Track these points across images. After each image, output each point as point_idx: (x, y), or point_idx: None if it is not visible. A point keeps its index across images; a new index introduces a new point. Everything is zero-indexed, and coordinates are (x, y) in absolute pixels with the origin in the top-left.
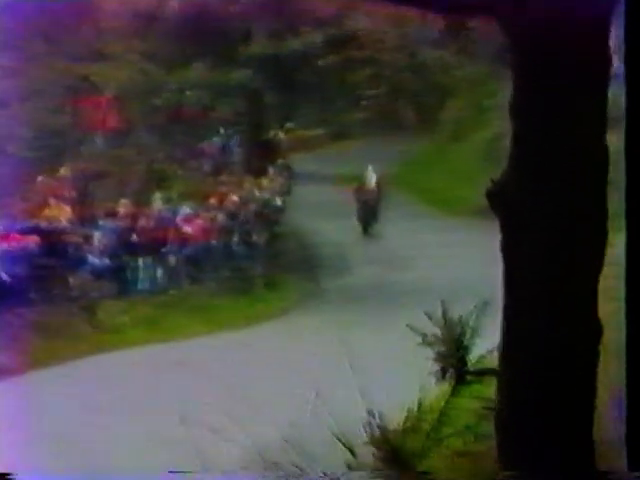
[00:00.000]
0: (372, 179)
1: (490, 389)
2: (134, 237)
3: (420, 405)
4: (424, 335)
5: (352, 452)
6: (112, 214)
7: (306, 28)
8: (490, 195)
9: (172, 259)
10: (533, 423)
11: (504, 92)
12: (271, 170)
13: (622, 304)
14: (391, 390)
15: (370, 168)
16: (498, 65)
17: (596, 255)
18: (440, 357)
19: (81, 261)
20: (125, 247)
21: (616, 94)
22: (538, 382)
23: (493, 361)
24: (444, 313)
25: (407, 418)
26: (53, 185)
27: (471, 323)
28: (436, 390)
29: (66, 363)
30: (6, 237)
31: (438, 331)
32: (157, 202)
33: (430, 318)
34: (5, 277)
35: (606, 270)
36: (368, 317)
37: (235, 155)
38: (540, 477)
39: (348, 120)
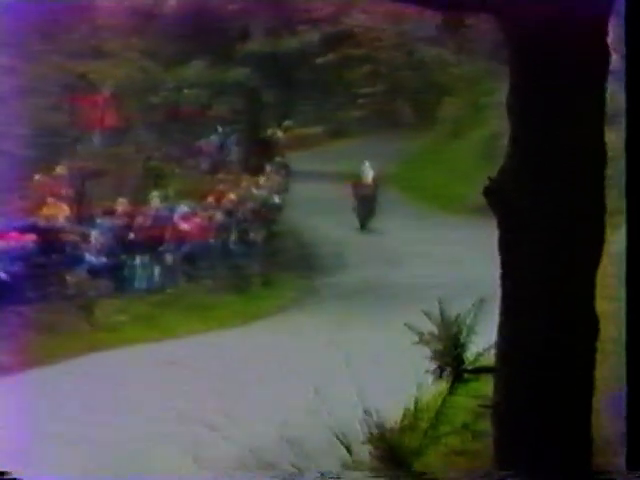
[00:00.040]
0: (369, 174)
1: (487, 387)
2: (131, 235)
3: (417, 403)
4: (421, 333)
5: (349, 450)
6: (109, 212)
7: (304, 26)
8: (488, 193)
9: (169, 257)
10: (530, 421)
11: (502, 90)
12: (269, 168)
13: (620, 302)
14: (388, 388)
15: (367, 163)
16: (496, 63)
17: (593, 252)
18: (437, 355)
19: (78, 259)
20: (122, 245)
21: (614, 91)
22: (535, 380)
23: (490, 359)
24: (441, 311)
25: (404, 416)
26: (50, 183)
27: (468, 321)
28: (433, 388)
29: (64, 361)
30: (3, 235)
31: (435, 329)
32: (154, 200)
33: (427, 316)
34: (2, 275)
35: (603, 267)
36: (365, 315)
37: (233, 153)
38: (537, 475)
39: (346, 118)
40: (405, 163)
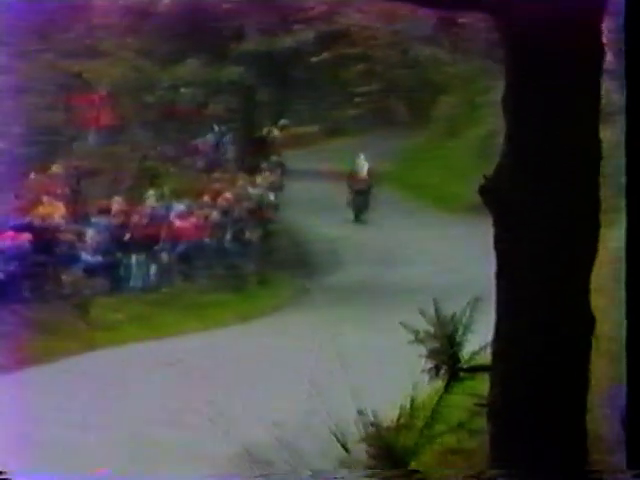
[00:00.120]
0: (364, 168)
1: (483, 386)
2: (127, 234)
3: (413, 402)
4: (416, 332)
5: (346, 449)
6: (105, 211)
7: (299, 25)
8: (483, 191)
9: (165, 256)
10: (526, 419)
11: (497, 89)
12: (264, 167)
13: (615, 300)
14: (384, 387)
15: (362, 157)
16: (491, 62)
17: (589, 250)
18: (433, 354)
19: (74, 258)
20: (118, 244)
21: (609, 89)
22: (531, 378)
23: (486, 358)
24: (437, 310)
25: (400, 415)
26: (46, 182)
27: (464, 320)
28: (429, 387)
29: (59, 360)
30: None
31: (431, 328)
32: (150, 199)
33: (423, 315)
34: None
35: (599, 265)
36: (361, 314)
37: (228, 152)
38: (533, 473)
39: (341, 116)
40: (401, 161)
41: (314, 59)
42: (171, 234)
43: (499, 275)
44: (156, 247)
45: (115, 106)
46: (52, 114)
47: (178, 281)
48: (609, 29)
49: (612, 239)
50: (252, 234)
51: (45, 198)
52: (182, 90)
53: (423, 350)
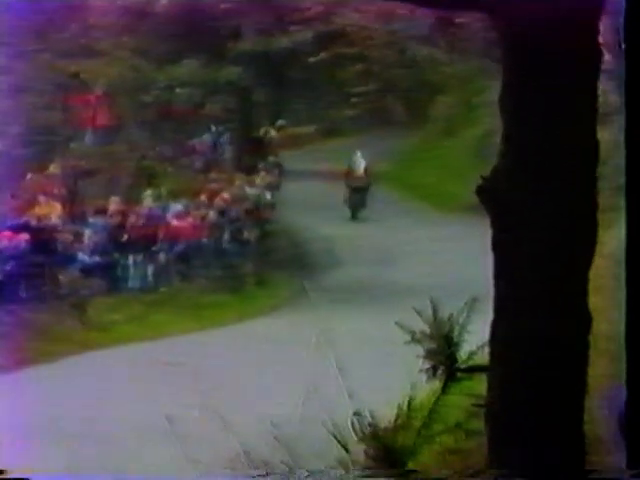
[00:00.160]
0: (361, 165)
1: (481, 386)
2: (124, 235)
3: (410, 402)
4: (413, 333)
5: (345, 449)
6: (102, 211)
7: (296, 25)
8: (480, 191)
9: (163, 256)
10: (523, 419)
11: (494, 88)
12: (262, 167)
13: (614, 300)
14: (381, 387)
15: (359, 154)
16: (488, 61)
17: (586, 250)
18: (430, 354)
19: (71, 259)
20: (115, 244)
21: (607, 90)
22: (528, 378)
23: (483, 358)
24: (434, 310)
25: (398, 415)
26: (43, 182)
27: (461, 320)
28: (427, 387)
29: (57, 361)
30: None
31: (428, 328)
32: (147, 199)
33: (420, 315)
34: None
35: (597, 265)
36: (358, 314)
37: (226, 152)
38: (530, 473)
39: (338, 117)
40: (398, 161)
41: (311, 59)
42: (169, 234)
43: (497, 275)
44: (154, 247)
45: (112, 106)
46: (49, 114)
47: (176, 281)
48: (607, 29)
49: (611, 239)
50: (250, 234)
51: (42, 198)
52: (179, 90)
53: (420, 350)
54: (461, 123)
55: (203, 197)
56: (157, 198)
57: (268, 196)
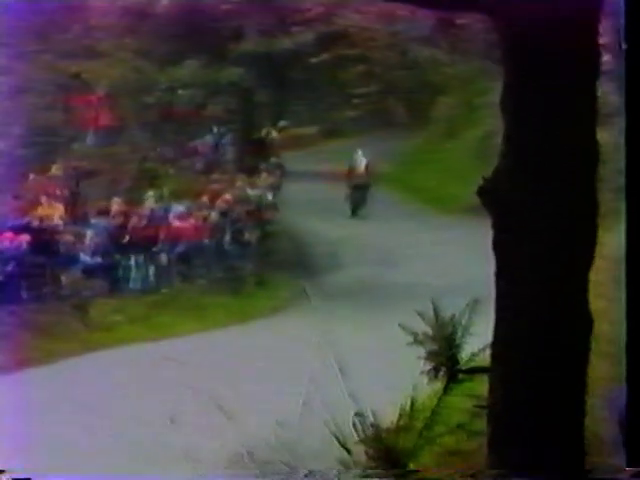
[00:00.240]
0: (361, 163)
1: (482, 387)
2: (126, 236)
3: (413, 404)
4: (415, 334)
5: (347, 450)
6: (104, 212)
7: (297, 26)
8: (482, 193)
9: (164, 257)
10: (525, 420)
11: (495, 90)
12: (263, 168)
13: (615, 301)
14: (383, 389)
15: (360, 152)
16: (490, 63)
17: (587, 251)
18: (432, 356)
19: (73, 259)
20: (117, 245)
21: (606, 91)
22: (530, 379)
23: (485, 359)
24: (436, 311)
25: (400, 417)
26: (45, 183)
27: (463, 321)
28: (428, 389)
29: (58, 361)
30: None
31: (429, 330)
32: (149, 200)
33: (421, 317)
34: None
35: (598, 266)
36: (360, 316)
37: (227, 153)
38: (532, 474)
39: (340, 118)
40: (399, 163)
41: (313, 60)
42: (170, 235)
43: (498, 276)
44: (155, 248)
45: (114, 107)
46: (51, 115)
47: (177, 282)
48: (607, 30)
49: (611, 241)
50: (251, 235)
51: (44, 199)
52: (181, 91)
53: (423, 352)
54: (462, 124)
55: (205, 198)
56: (159, 199)
57: (270, 197)
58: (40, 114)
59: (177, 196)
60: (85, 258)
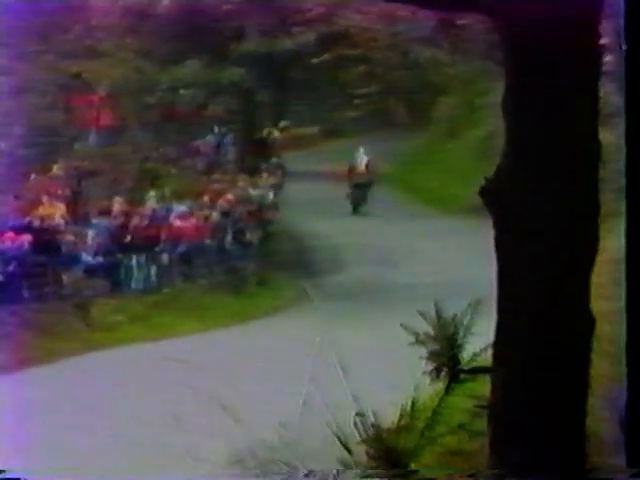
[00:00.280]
0: (363, 161)
1: (484, 387)
2: (127, 235)
3: (414, 404)
4: (417, 334)
5: (348, 450)
6: (106, 212)
7: (298, 27)
8: (484, 193)
9: (166, 257)
10: (526, 421)
11: (497, 90)
12: (265, 168)
13: (617, 301)
14: (385, 389)
15: (361, 150)
16: (491, 63)
17: (589, 252)
18: (434, 356)
19: (75, 259)
20: (119, 245)
21: (608, 91)
22: (531, 380)
23: (487, 359)
24: (437, 312)
25: (401, 417)
26: (46, 183)
27: (465, 322)
28: (430, 389)
29: (59, 361)
30: None
31: (431, 330)
32: (151, 200)
33: (423, 317)
34: None
35: (600, 267)
36: (361, 316)
37: (229, 153)
38: (533, 475)
39: (341, 118)
40: (400, 163)
41: (314, 60)
42: (172, 235)
43: (500, 277)
44: (157, 248)
45: (115, 107)
46: (52, 115)
47: (178, 282)
48: (608, 30)
49: (613, 240)
50: (252, 235)
51: (45, 199)
52: (182, 91)
53: (424, 352)
54: (464, 124)
55: (206, 198)
56: (160, 199)
57: (271, 197)
58: (41, 114)
59: (179, 196)
60: (87, 258)
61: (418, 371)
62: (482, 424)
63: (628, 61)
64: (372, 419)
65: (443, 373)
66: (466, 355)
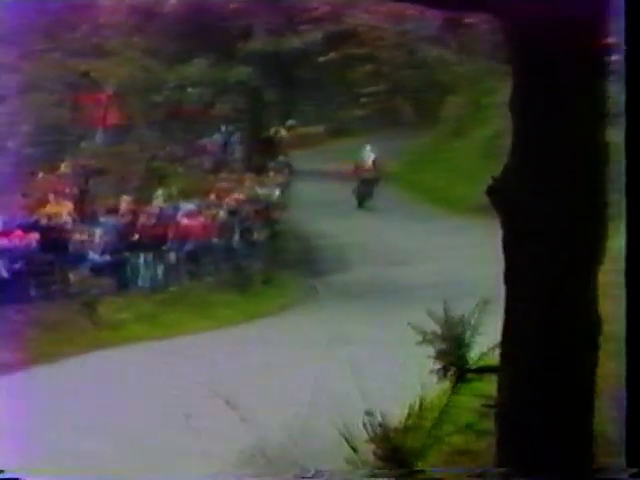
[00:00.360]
0: (369, 158)
1: (491, 387)
2: (135, 234)
3: (421, 403)
4: (424, 333)
5: (354, 449)
6: (113, 211)
7: (306, 25)
8: (491, 192)
9: (173, 256)
10: (533, 420)
11: (504, 89)
12: (272, 167)
13: (623, 301)
14: (392, 388)
15: (368, 147)
16: (498, 62)
17: (596, 251)
18: (441, 355)
19: (82, 257)
20: (126, 244)
21: (615, 91)
22: (538, 380)
23: (494, 359)
24: (445, 311)
25: (408, 416)
26: (54, 181)
27: (472, 321)
28: (437, 388)
29: (66, 359)
30: (7, 233)
31: (439, 329)
32: (158, 199)
33: (431, 316)
34: (5, 273)
35: (607, 267)
36: (368, 314)
37: (236, 152)
38: (540, 474)
39: (348, 117)
40: (407, 162)
41: (321, 59)
42: (179, 234)
43: (507, 276)
44: (164, 247)
45: (122, 105)
46: (59, 113)
47: (185, 280)
48: (615, 29)
49: (620, 240)
50: (259, 234)
51: (53, 197)
52: (189, 90)
53: (432, 351)
54: (471, 123)
55: (213, 196)
56: (168, 198)
57: (278, 196)
58: (49, 112)
59: (186, 195)
60: (94, 256)
61: (425, 370)
62: (489, 423)
63: (628, 61)
64: (379, 418)
65: (450, 372)
66: (473, 354)
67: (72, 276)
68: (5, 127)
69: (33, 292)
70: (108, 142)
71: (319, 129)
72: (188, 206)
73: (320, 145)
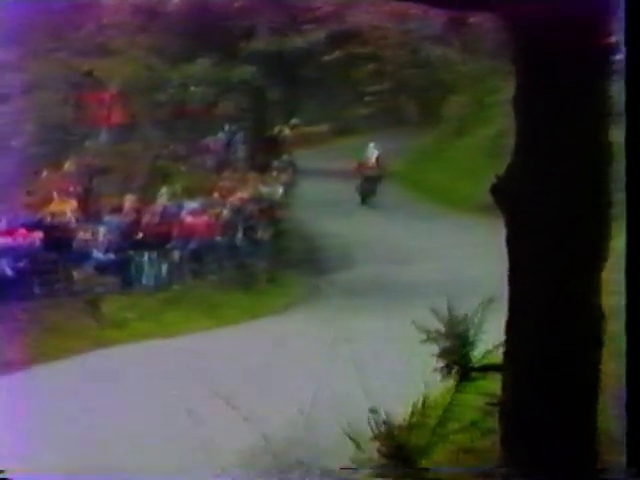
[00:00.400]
0: (373, 155)
1: (495, 385)
2: (139, 232)
3: (425, 401)
4: (428, 332)
5: (358, 447)
6: (117, 209)
7: (309, 25)
8: (495, 191)
9: (176, 254)
10: (537, 418)
11: (507, 88)
12: (275, 166)
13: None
14: (396, 386)
15: (372, 145)
16: (501, 61)
17: (600, 249)
18: (445, 353)
19: (86, 256)
20: (130, 242)
21: (618, 90)
22: (542, 378)
23: (498, 357)
24: (449, 309)
25: (412, 414)
26: (58, 180)
27: (476, 319)
28: (441, 386)
29: (70, 357)
30: (11, 232)
31: (443, 327)
32: (162, 197)
33: (435, 314)
34: (9, 272)
35: (611, 264)
36: (372, 313)
37: (239, 151)
38: (544, 472)
39: (351, 116)
40: (410, 161)
41: (325, 58)
42: (183, 232)
43: (511, 274)
44: (168, 245)
45: (126, 104)
46: (63, 112)
47: (189, 279)
48: (617, 29)
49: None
50: (263, 232)
51: (57, 196)
52: (193, 89)
53: (436, 349)
54: (474, 122)
55: (216, 195)
56: (171, 196)
57: (282, 194)
58: (53, 111)
59: (190, 193)
60: (98, 255)
61: (430, 368)
62: (493, 421)
63: (628, 61)
64: (383, 416)
65: (454, 370)
66: (477, 353)
67: (76, 274)
68: (9, 126)
69: (37, 290)
70: (112, 141)
71: (323, 128)
72: (192, 205)
73: (324, 144)
